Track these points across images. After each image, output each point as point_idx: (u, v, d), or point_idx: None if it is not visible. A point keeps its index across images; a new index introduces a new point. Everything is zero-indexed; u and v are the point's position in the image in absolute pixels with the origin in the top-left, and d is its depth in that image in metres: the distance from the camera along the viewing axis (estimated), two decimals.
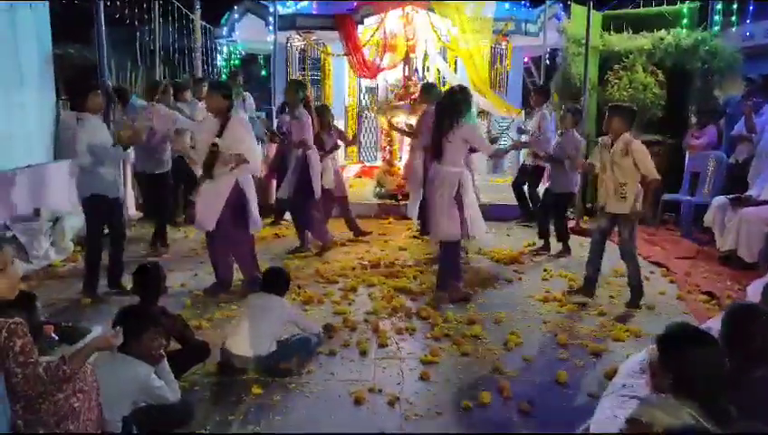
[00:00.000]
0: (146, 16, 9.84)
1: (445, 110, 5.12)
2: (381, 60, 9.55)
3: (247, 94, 9.50)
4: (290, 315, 4.05)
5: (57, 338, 2.47)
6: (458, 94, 5.15)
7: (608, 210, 5.09)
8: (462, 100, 5.09)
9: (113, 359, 2.78)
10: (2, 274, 2.24)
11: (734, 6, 9.67)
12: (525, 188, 8.05)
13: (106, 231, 5.26)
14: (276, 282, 4.07)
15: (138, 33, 10.20)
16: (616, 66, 8.69)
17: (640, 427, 2.10)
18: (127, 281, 4.96)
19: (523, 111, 8.96)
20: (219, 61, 12.43)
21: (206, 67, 11.31)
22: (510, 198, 8.30)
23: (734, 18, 9.62)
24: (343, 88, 11.49)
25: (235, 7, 11.24)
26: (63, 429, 2.28)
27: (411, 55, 9.57)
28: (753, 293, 4.18)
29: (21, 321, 2.18)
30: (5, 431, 2.16)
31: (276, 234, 7.49)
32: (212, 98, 5.10)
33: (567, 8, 9.92)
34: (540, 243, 6.90)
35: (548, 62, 11.33)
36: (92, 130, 4.95)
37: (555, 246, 6.82)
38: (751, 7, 11.13)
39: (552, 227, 6.84)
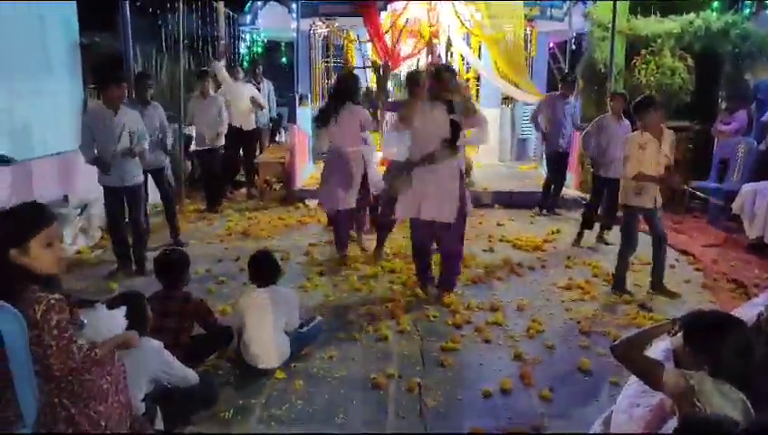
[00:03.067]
0: (170, 5, 9.88)
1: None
2: (402, 46, 9.50)
3: (267, 82, 9.58)
4: (293, 302, 3.91)
5: (85, 322, 2.51)
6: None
7: (658, 206, 5.00)
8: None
9: None
10: (50, 248, 2.28)
11: None
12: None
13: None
14: (264, 270, 3.88)
15: (162, 22, 10.26)
16: (643, 51, 8.54)
17: (686, 390, 2.03)
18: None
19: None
20: (242, 48, 12.49)
21: (229, 55, 11.36)
22: (535, 186, 8.24)
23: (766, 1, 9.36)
24: (366, 75, 11.46)
25: None
26: (93, 409, 2.33)
27: (434, 41, 9.50)
28: None
29: (61, 297, 2.22)
30: (34, 412, 2.22)
31: (300, 220, 7.51)
32: None
33: None
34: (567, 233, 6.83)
35: (573, 47, 11.17)
36: (102, 122, 5.14)
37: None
38: None
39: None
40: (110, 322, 2.54)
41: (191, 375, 3.12)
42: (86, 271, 5.60)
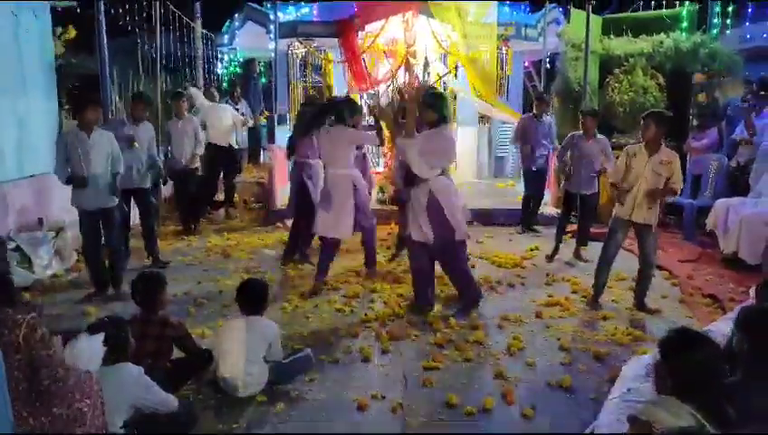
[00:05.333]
0: (146, 25, 9.87)
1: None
2: (379, 68, 9.58)
3: (244, 102, 9.60)
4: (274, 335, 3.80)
5: (65, 351, 2.50)
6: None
7: (636, 220, 4.96)
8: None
9: (105, 367, 2.80)
10: None
11: (730, 9, 9.69)
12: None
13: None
14: (251, 298, 3.84)
15: (139, 42, 10.23)
16: (616, 70, 8.72)
17: (641, 426, 2.12)
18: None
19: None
20: (220, 68, 12.50)
21: (207, 75, 11.36)
22: (512, 203, 8.32)
23: (729, 21, 9.63)
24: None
25: (236, 15, 11.31)
26: (70, 431, 2.29)
27: (411, 61, 9.58)
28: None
29: (36, 316, 2.25)
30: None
31: (280, 241, 7.47)
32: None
33: (566, 12, 9.96)
34: (544, 249, 6.90)
35: (548, 66, 11.36)
36: (76, 145, 5.10)
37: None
38: (749, 9, 11.13)
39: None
40: (89, 350, 2.51)
41: (171, 400, 3.07)
42: (62, 295, 5.50)
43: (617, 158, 5.55)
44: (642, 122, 4.96)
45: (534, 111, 7.96)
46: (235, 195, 8.93)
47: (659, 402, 2.21)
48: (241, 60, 13.07)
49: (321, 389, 3.76)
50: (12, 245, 5.77)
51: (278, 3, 9.77)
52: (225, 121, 8.50)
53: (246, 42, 11.42)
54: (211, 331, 4.59)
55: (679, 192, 4.99)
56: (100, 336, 2.69)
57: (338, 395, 3.69)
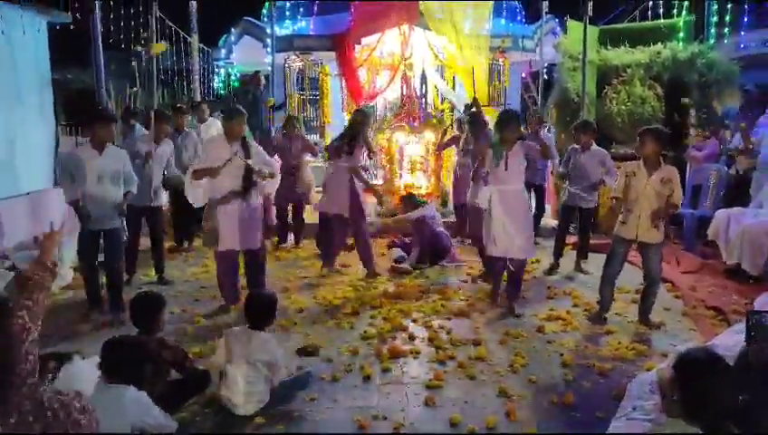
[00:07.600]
0: (143, 40, 9.86)
1: None
2: (376, 80, 9.60)
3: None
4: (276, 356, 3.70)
5: (60, 374, 2.44)
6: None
7: (642, 240, 4.87)
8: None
9: (106, 389, 2.75)
10: None
11: (728, 18, 9.70)
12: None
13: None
14: (257, 312, 3.79)
15: (135, 56, 10.21)
16: (614, 80, 8.71)
17: None
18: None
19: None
20: (217, 82, 12.49)
21: (203, 89, 11.35)
22: None
23: (726, 30, 9.63)
24: (342, 107, 11.52)
25: (233, 29, 11.33)
26: None
27: (409, 74, 9.59)
28: (761, 307, 4.13)
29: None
30: None
31: (276, 257, 7.42)
32: (240, 124, 5.16)
33: (563, 23, 9.98)
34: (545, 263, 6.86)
35: (545, 77, 11.38)
36: (85, 163, 5.00)
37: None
38: (745, 18, 11.14)
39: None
40: (84, 373, 2.46)
41: (171, 423, 3.01)
42: (58, 313, 5.43)
43: (618, 168, 5.52)
44: (638, 139, 4.91)
45: (529, 127, 7.82)
46: None
47: (667, 425, 2.18)
48: (239, 74, 13.07)
49: (322, 409, 3.69)
50: (7, 263, 5.70)
51: (274, 16, 9.79)
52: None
53: (243, 56, 11.44)
54: (209, 350, 4.52)
55: (679, 206, 4.93)
56: (94, 360, 2.63)
57: (339, 416, 3.61)
